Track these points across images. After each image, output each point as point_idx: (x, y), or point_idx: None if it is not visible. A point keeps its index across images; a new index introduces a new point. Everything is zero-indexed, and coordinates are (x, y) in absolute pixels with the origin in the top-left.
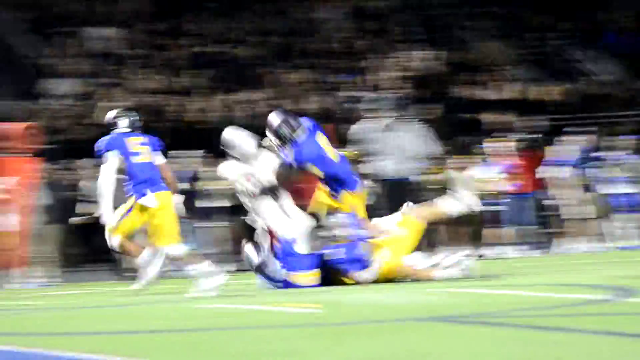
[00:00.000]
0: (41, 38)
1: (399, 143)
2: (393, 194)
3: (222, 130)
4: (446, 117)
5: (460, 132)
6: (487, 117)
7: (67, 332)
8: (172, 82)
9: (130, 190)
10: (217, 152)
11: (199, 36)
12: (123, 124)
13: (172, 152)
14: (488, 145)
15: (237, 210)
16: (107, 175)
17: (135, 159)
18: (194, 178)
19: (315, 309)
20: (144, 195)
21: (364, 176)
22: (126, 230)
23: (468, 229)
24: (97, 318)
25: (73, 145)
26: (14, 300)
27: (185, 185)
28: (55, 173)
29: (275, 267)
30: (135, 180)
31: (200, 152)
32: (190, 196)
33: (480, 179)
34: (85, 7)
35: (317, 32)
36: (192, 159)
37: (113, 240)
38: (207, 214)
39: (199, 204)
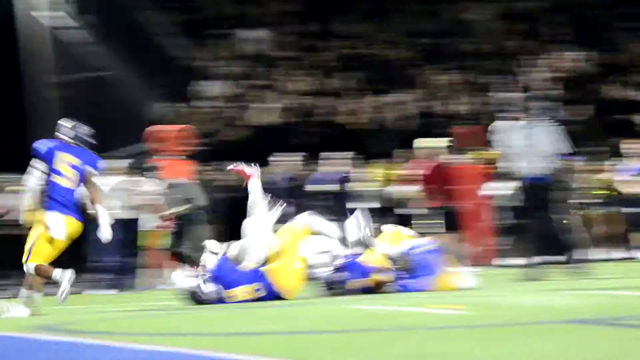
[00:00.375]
0: (194, 41)
1: (532, 143)
2: (531, 194)
3: (372, 131)
4: (596, 118)
5: (610, 134)
6: (638, 119)
7: (229, 332)
8: (323, 84)
9: (45, 204)
10: (367, 153)
11: (349, 38)
12: (67, 135)
13: (323, 154)
14: (627, 146)
15: (385, 211)
16: (28, 182)
17: (57, 179)
18: (345, 179)
19: (459, 311)
20: (54, 211)
21: (503, 176)
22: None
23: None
24: (257, 319)
25: (224, 146)
26: (165, 301)
27: (335, 187)
28: (207, 174)
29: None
30: (51, 198)
31: (350, 154)
32: (341, 197)
33: (620, 180)
34: (237, 10)
35: (467, 33)
36: (342, 161)
37: (29, 264)
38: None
39: (350, 205)
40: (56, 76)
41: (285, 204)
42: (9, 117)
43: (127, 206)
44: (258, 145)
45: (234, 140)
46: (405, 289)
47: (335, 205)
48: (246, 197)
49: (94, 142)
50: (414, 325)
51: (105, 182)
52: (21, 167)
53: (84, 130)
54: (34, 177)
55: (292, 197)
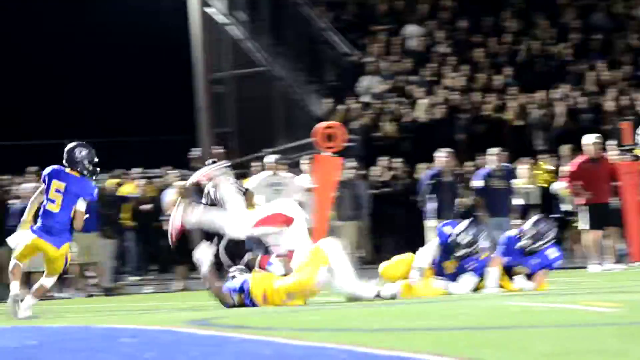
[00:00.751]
0: (360, 36)
1: None
2: None
3: (541, 127)
4: None
5: None
6: None
7: (385, 328)
8: (491, 80)
9: (32, 226)
10: (534, 150)
11: (517, 33)
12: (65, 159)
13: (490, 150)
14: None
15: (536, 207)
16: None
17: (48, 205)
18: (511, 176)
19: (614, 309)
20: (34, 234)
21: None
22: (21, 256)
23: None
24: (409, 315)
25: (383, 142)
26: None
27: (500, 183)
28: (358, 171)
29: None
30: (39, 222)
31: (499, 150)
32: (507, 193)
33: None
34: (404, 5)
35: (637, 29)
36: (498, 157)
37: (11, 262)
38: (522, 211)
39: (515, 201)
40: (222, 71)
41: (428, 200)
42: (179, 113)
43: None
44: (416, 141)
45: (393, 135)
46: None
47: (494, 201)
48: (396, 192)
49: (89, 165)
50: (568, 322)
51: (254, 178)
52: (186, 163)
53: (81, 154)
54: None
55: (434, 192)
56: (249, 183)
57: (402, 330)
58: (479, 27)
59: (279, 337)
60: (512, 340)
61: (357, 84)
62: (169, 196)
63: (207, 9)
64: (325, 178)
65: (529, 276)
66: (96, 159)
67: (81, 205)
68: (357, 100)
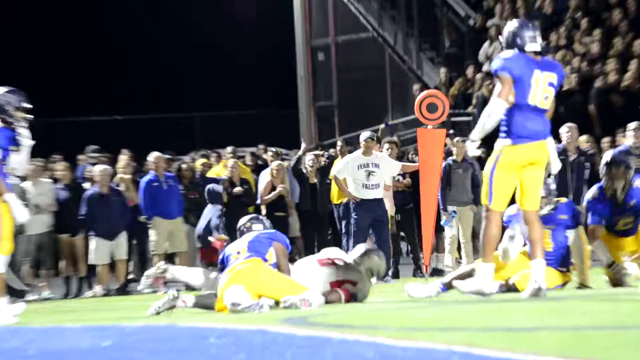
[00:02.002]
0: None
1: None
2: None
3: None
4: None
5: None
6: None
7: (503, 327)
8: (630, 45)
9: None
10: None
11: None
12: None
13: (629, 125)
14: None
15: None
16: None
17: None
18: None
19: None
20: None
21: None
22: None
23: None
24: (530, 312)
25: None
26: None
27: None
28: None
29: None
30: None
31: None
32: None
33: None
34: None
35: None
36: None
37: None
38: None
39: None
40: (325, 37)
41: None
42: (277, 84)
43: None
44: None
45: None
46: None
47: None
48: None
49: (12, 110)
50: None
51: (343, 159)
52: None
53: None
54: None
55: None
56: (337, 165)
57: (523, 330)
58: None
59: (383, 337)
60: None
61: (479, 51)
62: (264, 178)
63: None
64: (430, 154)
65: None
66: (24, 105)
67: None
68: (479, 69)
